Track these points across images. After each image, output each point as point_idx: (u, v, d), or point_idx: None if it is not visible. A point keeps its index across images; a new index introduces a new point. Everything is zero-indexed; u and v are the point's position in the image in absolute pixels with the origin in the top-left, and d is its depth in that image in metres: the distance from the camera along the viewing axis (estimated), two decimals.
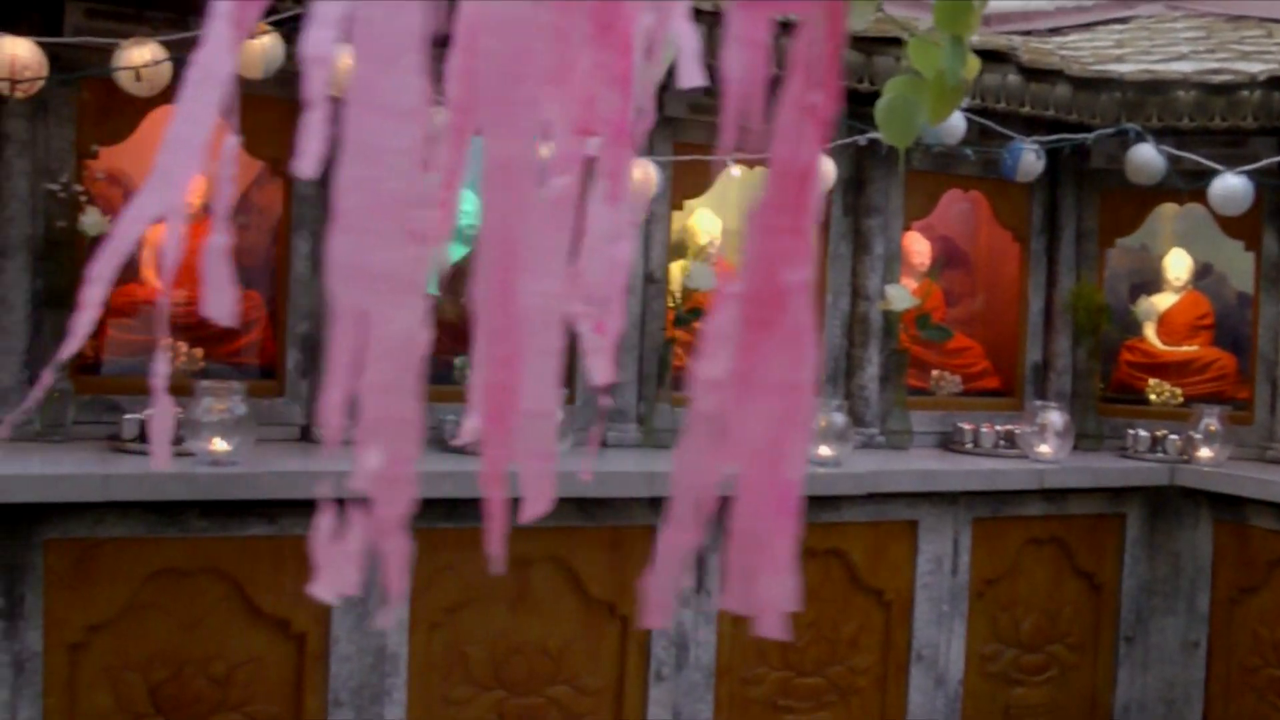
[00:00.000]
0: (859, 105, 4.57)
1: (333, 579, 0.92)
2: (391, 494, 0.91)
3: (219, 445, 3.40)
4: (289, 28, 3.52)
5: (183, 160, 0.90)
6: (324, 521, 0.90)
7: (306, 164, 0.86)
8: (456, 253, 4.50)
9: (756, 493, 0.94)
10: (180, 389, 3.85)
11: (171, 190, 0.91)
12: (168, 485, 3.28)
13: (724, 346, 0.93)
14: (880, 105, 3.76)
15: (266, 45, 3.44)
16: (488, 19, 0.87)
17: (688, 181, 4.31)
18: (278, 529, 3.44)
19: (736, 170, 4.07)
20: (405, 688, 3.63)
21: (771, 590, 0.94)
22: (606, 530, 3.83)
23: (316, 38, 0.86)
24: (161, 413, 0.93)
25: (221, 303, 0.91)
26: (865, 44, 4.38)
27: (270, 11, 3.56)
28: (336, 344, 0.91)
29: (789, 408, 0.93)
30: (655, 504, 3.86)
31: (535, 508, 0.97)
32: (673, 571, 0.96)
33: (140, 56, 3.38)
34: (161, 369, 0.95)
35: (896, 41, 4.37)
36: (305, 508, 3.48)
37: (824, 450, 4.17)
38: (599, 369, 1.14)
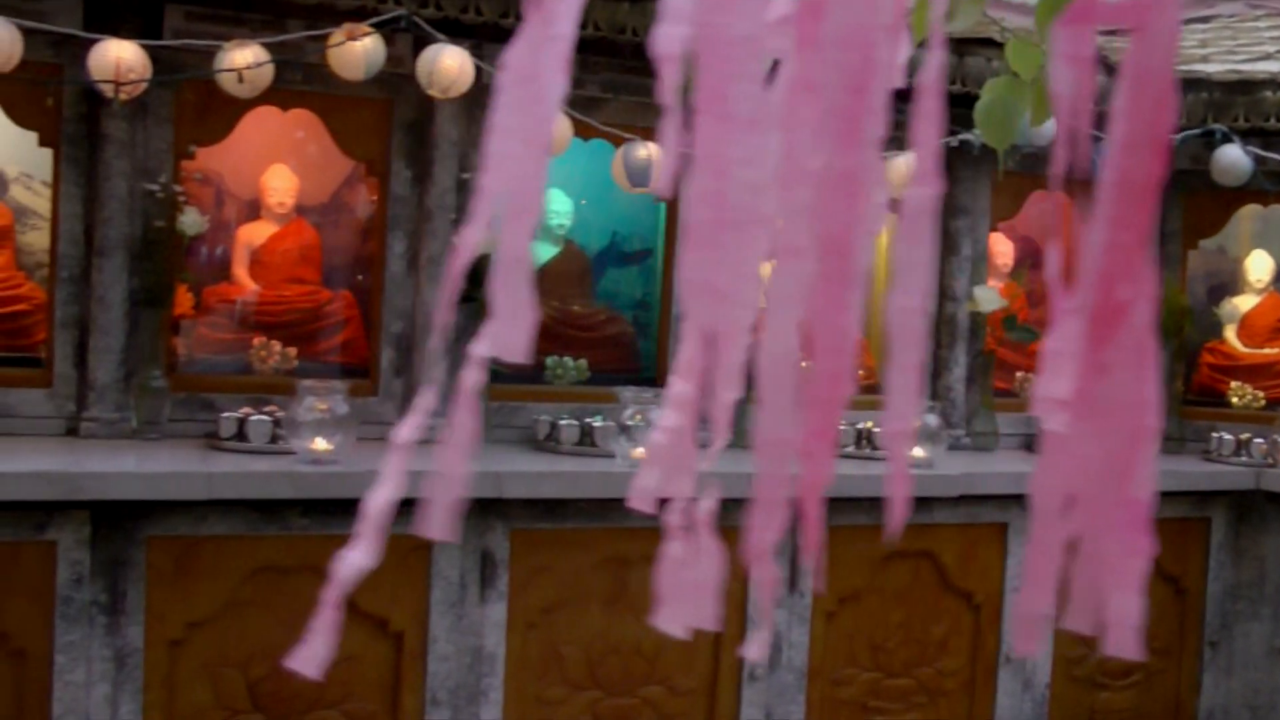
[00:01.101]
0: (950, 106, 4.55)
1: (681, 610, 0.90)
2: (768, 518, 0.90)
3: (320, 444, 3.41)
4: (388, 29, 3.53)
5: (524, 174, 0.89)
6: (673, 549, 0.89)
7: (664, 184, 0.85)
8: (545, 253, 4.50)
9: (1103, 512, 0.92)
10: (274, 387, 3.88)
11: (523, 202, 0.89)
12: (271, 483, 3.29)
13: (1066, 364, 0.91)
14: (979, 106, 3.72)
15: (368, 47, 3.44)
16: (836, 30, 0.85)
17: None
18: None
19: None
20: (501, 687, 3.62)
21: (1121, 609, 0.91)
22: None
23: (667, 34, 0.84)
24: (464, 421, 0.92)
25: (516, 334, 0.88)
26: (957, 44, 4.35)
27: (371, 13, 3.58)
28: (683, 363, 0.90)
29: (1134, 425, 0.91)
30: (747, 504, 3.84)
31: (894, 523, 0.95)
32: (1042, 597, 0.94)
33: (243, 58, 3.39)
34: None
35: (988, 42, 4.34)
36: (405, 507, 3.48)
37: (916, 452, 4.14)
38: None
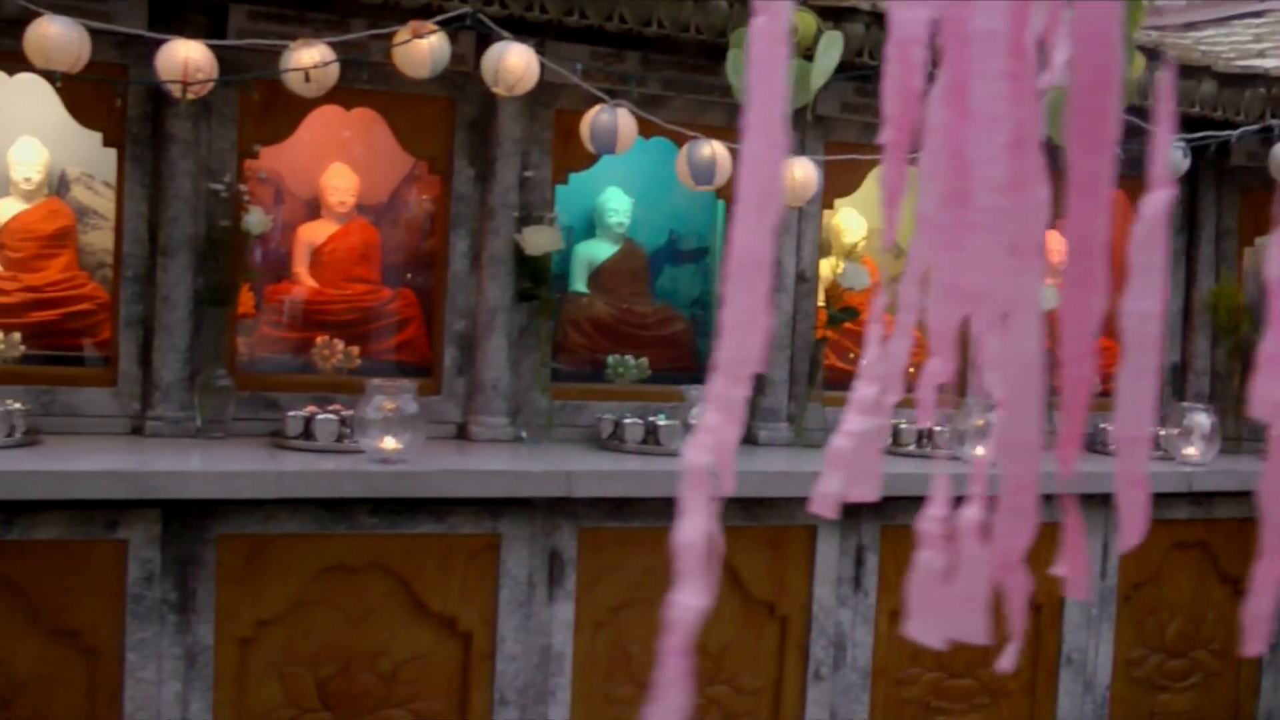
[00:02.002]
0: None
1: (937, 622, 0.88)
2: (1017, 523, 0.87)
3: (389, 443, 3.40)
4: (452, 27, 3.52)
5: (766, 172, 0.87)
6: (925, 558, 0.87)
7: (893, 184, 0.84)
8: (604, 251, 4.50)
9: None
10: (338, 386, 3.89)
11: (764, 200, 0.88)
12: (341, 482, 3.28)
13: None
14: (1046, 103, 3.71)
15: (434, 45, 3.43)
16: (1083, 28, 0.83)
17: (839, 181, 4.27)
18: (446, 527, 3.44)
19: None
20: (569, 687, 3.61)
21: None
22: (768, 530, 3.80)
23: (907, 18, 0.83)
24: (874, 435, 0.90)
25: (750, 342, 0.87)
26: None
27: (434, 11, 3.57)
28: (868, 366, 0.89)
29: None
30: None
31: (1131, 537, 0.93)
32: (1269, 600, 0.92)
33: (309, 58, 3.39)
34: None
35: None
36: (473, 506, 3.50)
37: (981, 451, 4.11)
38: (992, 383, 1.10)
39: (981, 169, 0.82)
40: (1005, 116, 0.82)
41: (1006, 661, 0.93)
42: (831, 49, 3.63)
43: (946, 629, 0.90)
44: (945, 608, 0.90)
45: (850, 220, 4.79)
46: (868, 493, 1.05)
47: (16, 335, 3.81)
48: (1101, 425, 4.78)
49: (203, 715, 3.29)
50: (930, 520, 0.90)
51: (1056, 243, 5.01)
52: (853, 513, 3.90)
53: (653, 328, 4.48)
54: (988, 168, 0.82)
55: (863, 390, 1.01)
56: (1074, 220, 0.86)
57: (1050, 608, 4.31)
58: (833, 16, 3.91)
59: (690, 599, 0.90)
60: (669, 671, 0.89)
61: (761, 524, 3.79)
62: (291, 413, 3.64)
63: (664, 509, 3.62)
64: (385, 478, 3.31)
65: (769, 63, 0.89)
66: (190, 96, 3.39)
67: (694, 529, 0.91)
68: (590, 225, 4.57)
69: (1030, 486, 0.89)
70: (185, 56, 3.35)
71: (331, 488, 3.28)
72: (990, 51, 0.82)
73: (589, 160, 4.09)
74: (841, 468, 1.02)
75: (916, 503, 3.61)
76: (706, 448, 0.91)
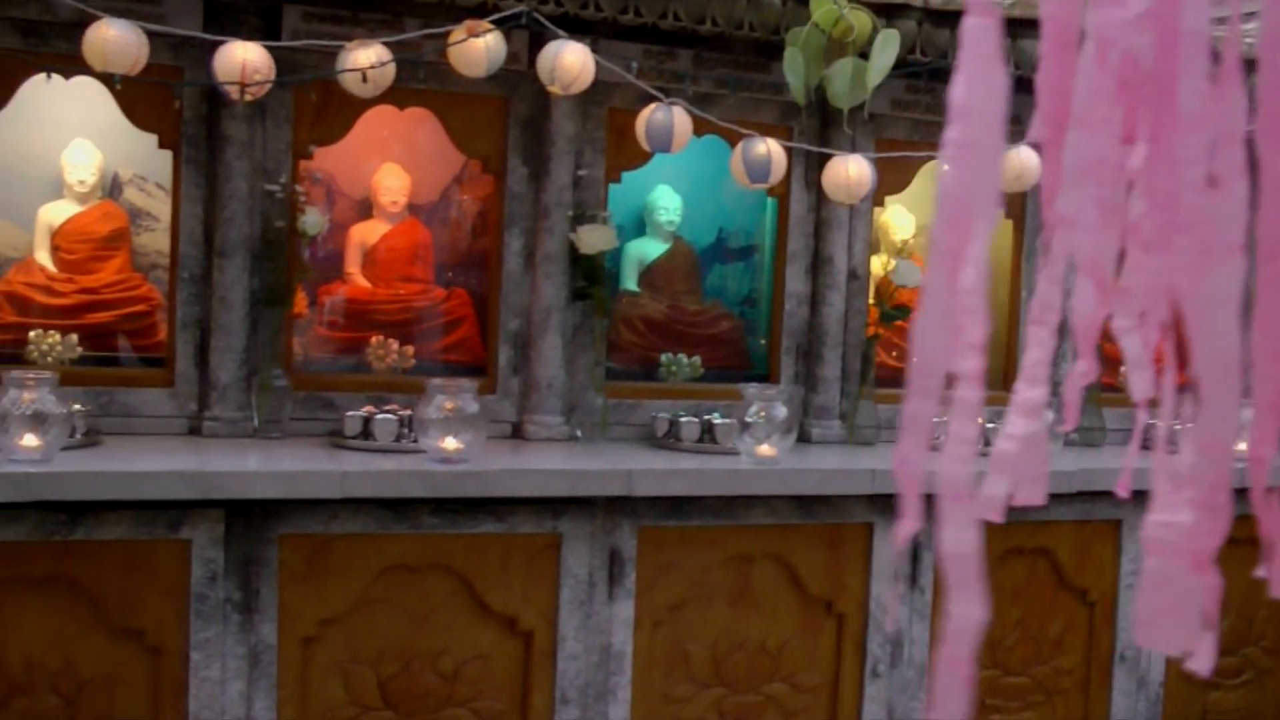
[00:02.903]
0: None
1: (1166, 632, 0.87)
2: (1211, 523, 0.87)
3: (450, 443, 3.41)
4: (508, 26, 3.52)
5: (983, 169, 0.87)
6: (1155, 565, 0.86)
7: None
8: (655, 250, 4.49)
9: None
10: (394, 386, 3.90)
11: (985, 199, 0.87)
12: (403, 482, 3.29)
13: None
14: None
15: (490, 44, 3.43)
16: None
17: (889, 178, 4.26)
18: (507, 526, 3.44)
19: (947, 166, 3.99)
20: (629, 686, 3.61)
21: None
22: (825, 527, 3.80)
23: (1119, 18, 0.82)
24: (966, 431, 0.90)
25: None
26: None
27: (488, 10, 3.57)
28: (1030, 368, 0.88)
29: None
30: (873, 501, 3.82)
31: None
32: None
33: (366, 58, 3.39)
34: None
35: None
36: (533, 506, 3.50)
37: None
38: (1139, 383, 1.09)
39: (1186, 169, 0.81)
40: (1209, 116, 0.81)
41: (1201, 662, 0.92)
42: (888, 47, 3.64)
43: (1175, 641, 0.89)
44: (1170, 616, 0.89)
45: (900, 217, 4.78)
46: (1033, 496, 1.04)
47: (73, 337, 3.82)
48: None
49: (266, 714, 3.30)
50: (1156, 526, 0.89)
51: None
52: None
53: (704, 326, 4.48)
54: (1191, 168, 0.81)
55: (1025, 392, 1.00)
56: (1267, 220, 0.85)
57: (1104, 605, 4.30)
58: (885, 13, 3.90)
59: (968, 610, 0.89)
60: (949, 678, 0.88)
61: (819, 521, 3.78)
62: (350, 412, 3.65)
63: (722, 507, 3.64)
64: (447, 477, 3.32)
65: (983, 69, 0.89)
66: (248, 98, 3.40)
67: (960, 540, 0.91)
68: (640, 224, 4.57)
69: (1225, 485, 0.88)
70: (243, 58, 3.36)
71: (395, 488, 3.28)
72: (1197, 51, 0.81)
73: (642, 158, 4.08)
74: (1007, 471, 1.01)
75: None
76: (964, 459, 0.91)
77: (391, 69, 3.44)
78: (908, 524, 0.95)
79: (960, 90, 0.93)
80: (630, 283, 4.49)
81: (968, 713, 0.90)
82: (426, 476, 3.30)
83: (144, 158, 4.09)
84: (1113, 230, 1.02)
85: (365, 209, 4.33)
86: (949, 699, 0.89)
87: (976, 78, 0.92)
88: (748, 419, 3.74)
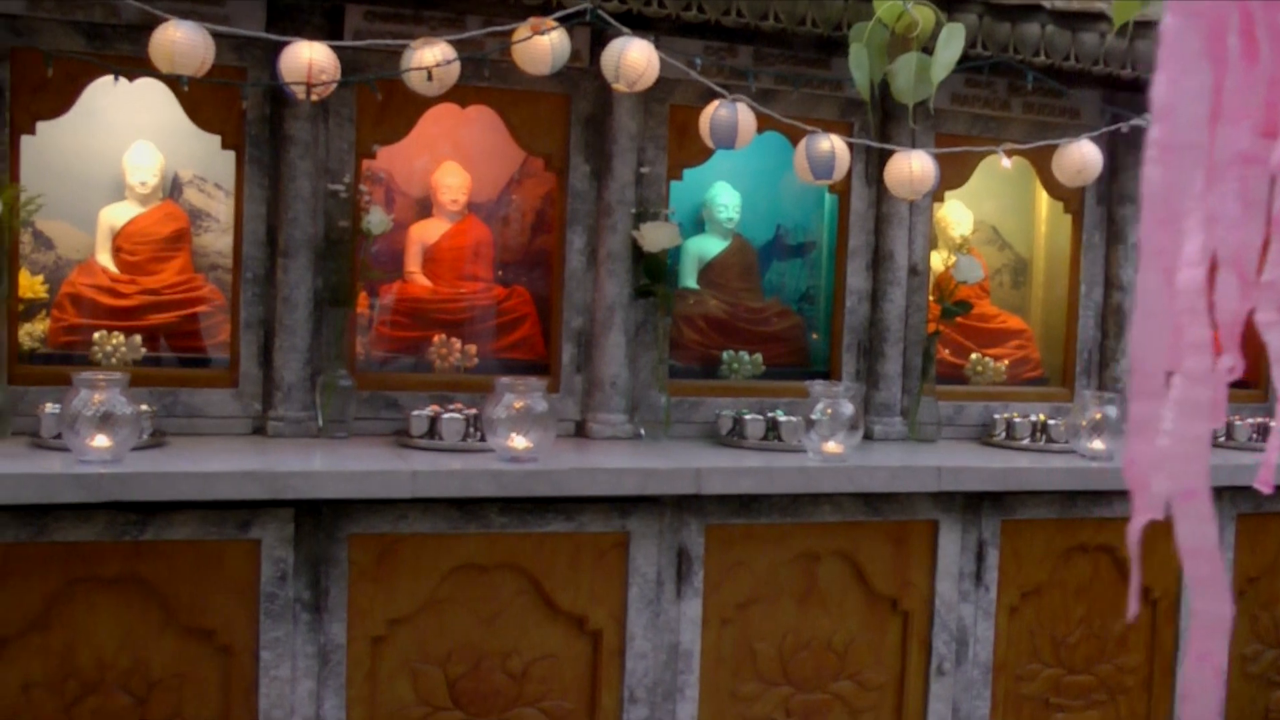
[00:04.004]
0: (1119, 90, 4.48)
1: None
2: None
3: (518, 442, 3.40)
4: (572, 23, 3.51)
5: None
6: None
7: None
8: (714, 247, 4.48)
9: None
10: (459, 385, 3.90)
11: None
12: (473, 481, 3.28)
13: None
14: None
15: (554, 41, 3.42)
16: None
17: (947, 173, 4.23)
18: (576, 525, 3.44)
19: (1008, 161, 3.98)
20: (697, 684, 3.61)
21: None
22: (891, 525, 3.78)
23: None
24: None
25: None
26: (1123, 28, 4.27)
27: (551, 8, 3.57)
28: (1191, 367, 0.86)
29: None
30: (938, 499, 3.80)
31: None
32: None
33: (431, 57, 3.38)
34: None
35: (1158, 25, 4.26)
36: (601, 505, 3.50)
37: (1097, 444, 4.07)
38: None
39: None
40: None
41: None
42: (953, 41, 3.62)
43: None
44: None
45: (957, 213, 4.76)
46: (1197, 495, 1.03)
47: (137, 338, 3.84)
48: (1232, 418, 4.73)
49: (336, 713, 3.30)
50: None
51: None
52: (973, 507, 3.88)
53: (765, 323, 4.47)
54: None
55: (1186, 390, 0.99)
56: None
57: (1166, 603, 4.27)
58: (946, 7, 3.88)
59: (1213, 605, 0.88)
60: (1199, 675, 0.87)
61: (884, 519, 3.77)
62: (415, 412, 3.65)
63: (789, 505, 3.63)
64: (517, 477, 3.31)
65: (1184, 68, 0.88)
66: (314, 98, 3.40)
67: (1197, 536, 0.89)
68: (698, 221, 4.56)
69: None
70: (309, 58, 3.36)
71: (465, 487, 3.28)
72: None
73: (703, 155, 4.07)
74: (1169, 470, 1.00)
75: (1035, 496, 3.64)
76: (1193, 457, 0.90)
77: (456, 67, 3.44)
78: (1139, 522, 0.94)
79: (1161, 90, 0.92)
80: (690, 280, 4.48)
81: (1220, 707, 0.89)
82: (496, 476, 3.29)
83: (204, 158, 4.11)
84: (1256, 224, 1.00)
85: (424, 208, 4.33)
86: (1201, 696, 0.88)
87: (1178, 77, 0.90)
88: (813, 416, 3.72)
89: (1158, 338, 0.93)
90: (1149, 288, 0.94)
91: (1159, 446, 1.08)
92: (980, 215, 4.85)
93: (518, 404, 3.41)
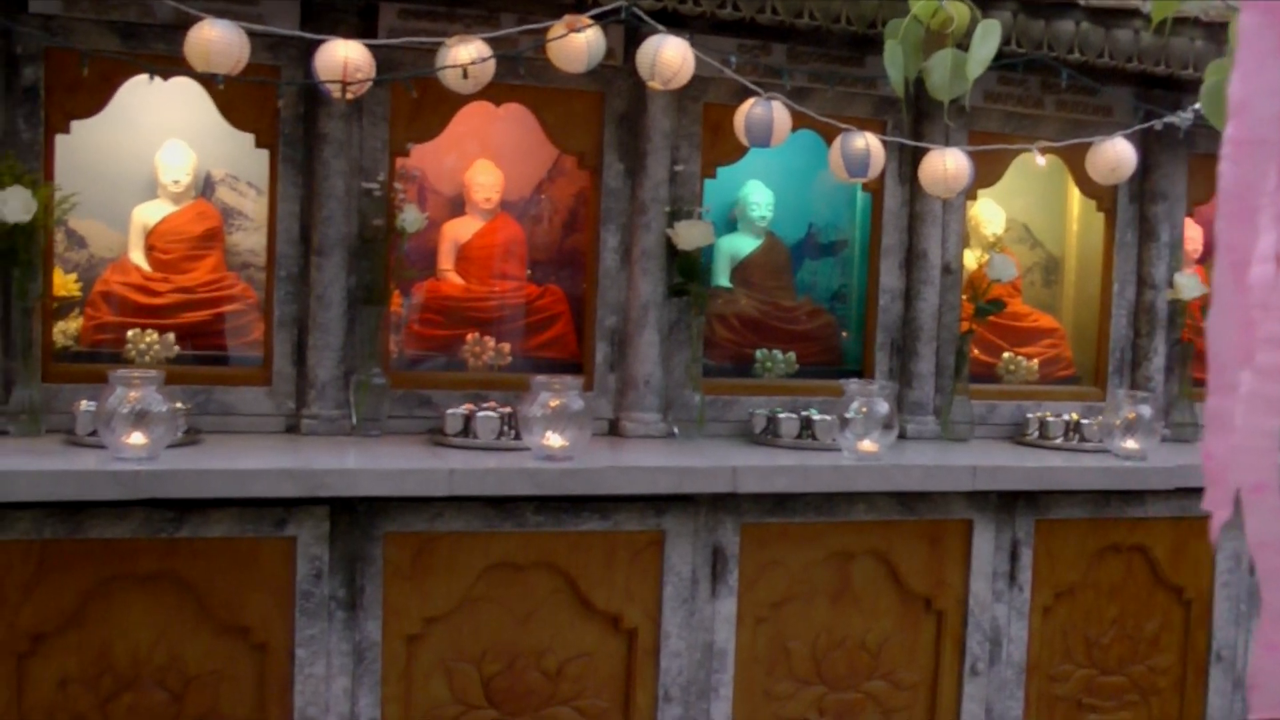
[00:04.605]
0: (1153, 88, 4.46)
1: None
2: None
3: (554, 440, 3.40)
4: (607, 21, 3.50)
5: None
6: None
7: None
8: (747, 245, 4.47)
9: None
10: (493, 383, 3.90)
11: None
12: (509, 480, 3.28)
13: None
14: (1206, 89, 3.62)
15: (590, 39, 3.42)
16: None
17: (981, 171, 4.22)
18: (611, 524, 3.44)
19: (1042, 159, 3.96)
20: (731, 683, 3.60)
21: None
22: (925, 524, 3.77)
23: None
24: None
25: None
26: (1160, 24, 4.25)
27: (585, 5, 3.56)
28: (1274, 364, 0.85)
29: None
30: (972, 498, 3.79)
31: None
32: None
33: (467, 54, 3.38)
34: None
35: (1193, 21, 4.25)
36: (637, 503, 3.49)
37: (1130, 444, 4.05)
38: None
39: None
40: None
41: None
42: (989, 38, 3.60)
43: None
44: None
45: (990, 211, 4.74)
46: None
47: (170, 336, 3.84)
48: None
49: (371, 711, 3.30)
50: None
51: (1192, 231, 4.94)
52: (1007, 506, 3.86)
53: (798, 322, 4.46)
54: None
55: (1257, 385, 0.97)
56: None
57: (1200, 604, 4.25)
58: (980, 4, 3.86)
59: None
60: (1269, 665, 0.86)
61: (919, 518, 3.76)
62: (450, 410, 3.65)
63: (823, 504, 3.62)
64: (554, 475, 3.31)
65: (1260, 65, 0.87)
66: (349, 96, 3.39)
67: (1267, 530, 0.88)
68: (730, 219, 4.55)
69: None
70: (344, 56, 3.35)
71: (501, 485, 3.28)
72: None
73: (737, 154, 4.07)
74: (1239, 464, 0.99)
75: (1069, 496, 3.62)
76: (1265, 451, 0.89)
77: (491, 65, 3.43)
78: (1219, 518, 0.93)
79: (1237, 87, 0.91)
80: (722, 279, 4.47)
81: None
82: (533, 474, 3.29)
83: (236, 157, 4.11)
84: None
85: (456, 206, 4.33)
86: (1270, 686, 0.87)
87: (1254, 74, 0.89)
88: (848, 415, 3.71)
89: (1231, 333, 0.92)
90: (1223, 283, 0.94)
91: (1232, 445, 1.07)
92: (1011, 213, 4.84)
93: (553, 402, 3.41)
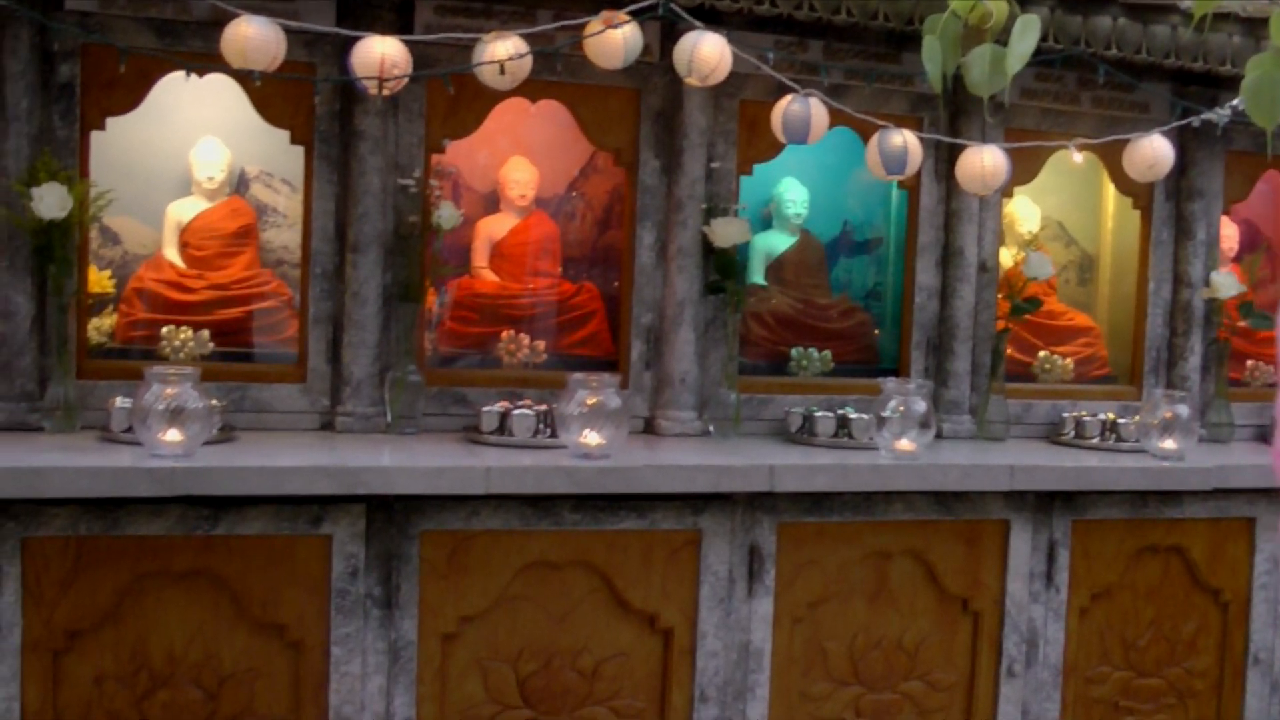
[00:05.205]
0: (1189, 84, 4.42)
1: None
2: None
3: (591, 438, 3.38)
4: (644, 17, 3.48)
5: None
6: None
7: None
8: (782, 243, 4.45)
9: None
10: (528, 381, 3.89)
11: None
12: (547, 478, 3.27)
13: None
14: (1247, 84, 3.58)
15: (627, 35, 3.40)
16: None
17: (1017, 168, 4.18)
18: (648, 523, 3.42)
19: (1079, 156, 3.93)
20: (768, 684, 3.58)
21: None
22: (962, 524, 3.74)
23: None
24: None
25: None
26: (1199, 20, 4.21)
27: (622, 1, 3.54)
28: None
29: None
30: (1009, 498, 3.76)
31: None
32: None
33: (504, 50, 3.36)
34: None
35: (1230, 17, 4.21)
36: (674, 502, 3.48)
37: (1168, 444, 4.02)
38: None
39: None
40: None
41: None
42: (1028, 33, 3.57)
43: None
44: None
45: (1025, 209, 4.71)
46: None
47: (205, 333, 3.84)
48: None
49: (406, 710, 3.30)
50: None
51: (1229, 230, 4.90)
52: (1044, 507, 3.83)
53: (834, 320, 4.43)
54: None
55: None
56: None
57: (1237, 606, 4.21)
58: None
59: None
60: None
61: (955, 518, 3.73)
62: (486, 408, 3.64)
63: (860, 503, 3.60)
64: (591, 473, 3.29)
65: None
66: (386, 92, 3.38)
67: None
68: (764, 216, 4.53)
69: None
70: (382, 52, 3.34)
71: (539, 483, 3.27)
72: None
73: (773, 150, 4.04)
74: None
75: (1106, 496, 3.59)
76: None
77: (529, 61, 3.41)
78: None
79: None
80: (757, 276, 4.44)
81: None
82: (571, 472, 3.28)
83: (270, 154, 4.11)
84: None
85: (490, 203, 4.32)
86: None
87: None
88: (885, 414, 3.69)
89: None
90: None
91: None
92: (1045, 211, 4.80)
93: (591, 400, 3.39)
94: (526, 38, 3.42)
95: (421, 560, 3.28)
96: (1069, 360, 4.65)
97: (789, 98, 3.63)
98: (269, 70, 3.30)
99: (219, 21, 3.30)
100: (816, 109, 3.62)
